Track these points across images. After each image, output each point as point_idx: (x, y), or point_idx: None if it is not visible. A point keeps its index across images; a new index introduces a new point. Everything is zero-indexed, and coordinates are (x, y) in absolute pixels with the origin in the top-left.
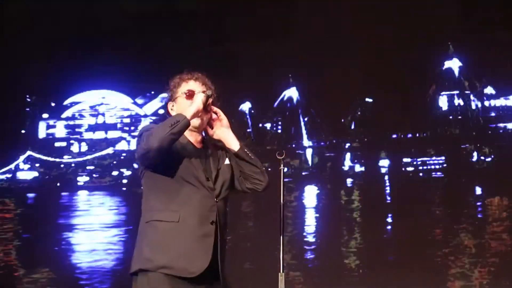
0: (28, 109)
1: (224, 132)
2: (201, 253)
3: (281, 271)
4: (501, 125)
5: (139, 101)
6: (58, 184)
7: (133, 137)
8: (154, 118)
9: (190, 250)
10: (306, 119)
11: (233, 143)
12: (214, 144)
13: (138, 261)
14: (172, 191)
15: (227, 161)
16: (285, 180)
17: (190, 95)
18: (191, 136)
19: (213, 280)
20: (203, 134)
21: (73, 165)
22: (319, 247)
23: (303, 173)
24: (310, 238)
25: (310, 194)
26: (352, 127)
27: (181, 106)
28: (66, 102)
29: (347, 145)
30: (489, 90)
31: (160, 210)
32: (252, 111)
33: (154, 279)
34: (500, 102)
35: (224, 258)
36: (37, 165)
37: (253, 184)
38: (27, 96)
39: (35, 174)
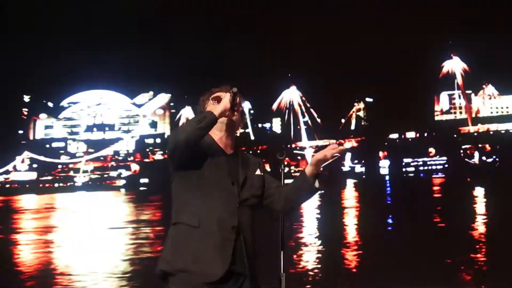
0: (25, 109)
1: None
2: (218, 260)
3: (282, 271)
4: (503, 125)
5: (138, 101)
6: (56, 185)
7: (131, 137)
8: (152, 118)
9: (207, 256)
10: (305, 119)
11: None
12: (246, 155)
13: (161, 262)
14: (196, 194)
15: (258, 172)
16: (285, 180)
17: (218, 100)
18: (221, 141)
19: (239, 282)
20: (234, 140)
21: (70, 165)
22: (319, 247)
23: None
24: (310, 239)
25: None
26: (352, 127)
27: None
28: (63, 103)
29: (347, 145)
30: (490, 89)
31: (183, 212)
32: (252, 111)
33: (174, 281)
34: (501, 102)
35: (253, 261)
36: (34, 165)
37: (275, 205)
38: (25, 96)
39: (33, 174)
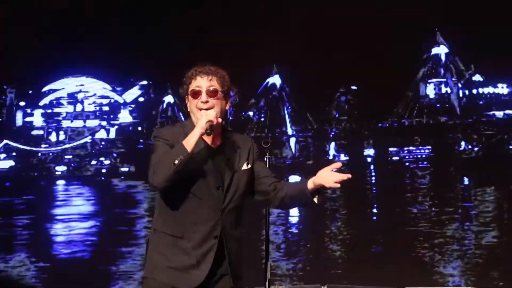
0: (4, 97)
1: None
2: (198, 270)
3: (268, 260)
4: (489, 113)
5: (119, 88)
6: (36, 174)
7: (112, 125)
8: (133, 106)
9: (189, 267)
10: (289, 107)
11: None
12: (235, 141)
13: (146, 268)
14: (180, 204)
15: (245, 166)
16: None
17: (196, 93)
18: (207, 136)
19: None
20: (221, 127)
21: (50, 154)
22: (303, 238)
23: (287, 162)
24: (294, 229)
25: None
26: (337, 115)
27: (191, 107)
28: (43, 90)
29: (332, 133)
30: (477, 77)
31: (167, 222)
32: (235, 99)
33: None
34: (488, 89)
35: (237, 266)
36: (13, 154)
37: (268, 203)
38: (4, 84)
39: (11, 163)
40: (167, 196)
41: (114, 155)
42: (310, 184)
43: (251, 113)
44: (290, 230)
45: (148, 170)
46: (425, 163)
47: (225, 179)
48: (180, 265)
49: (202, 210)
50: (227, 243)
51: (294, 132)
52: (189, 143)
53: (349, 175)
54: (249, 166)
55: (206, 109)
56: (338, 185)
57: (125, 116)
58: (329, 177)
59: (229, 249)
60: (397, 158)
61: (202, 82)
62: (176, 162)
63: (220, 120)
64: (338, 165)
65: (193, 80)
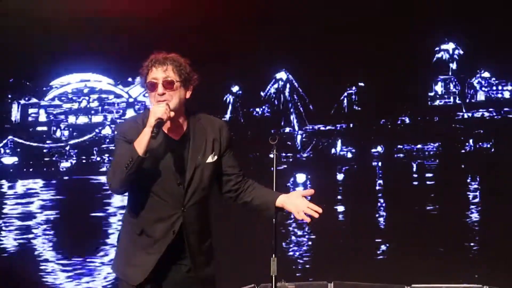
0: (10, 95)
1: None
2: (147, 263)
3: (274, 255)
4: (498, 111)
5: (124, 84)
6: (43, 169)
7: (115, 122)
8: (139, 102)
9: (145, 263)
10: (297, 103)
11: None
12: (202, 128)
13: (113, 263)
14: (140, 202)
15: (210, 159)
16: (277, 165)
17: (152, 85)
18: (169, 127)
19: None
20: (184, 116)
21: (55, 150)
22: (311, 234)
23: (292, 159)
24: (301, 225)
25: (301, 180)
26: (344, 112)
27: (150, 97)
28: (51, 84)
29: (339, 130)
30: (486, 74)
31: (130, 217)
32: (241, 94)
33: (121, 284)
34: (497, 87)
35: (200, 259)
36: (18, 150)
37: (232, 201)
38: (9, 79)
39: (15, 159)
40: (128, 194)
41: None
42: (278, 202)
43: (258, 110)
44: (297, 226)
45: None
46: (432, 160)
47: (186, 174)
48: (138, 263)
49: (162, 208)
50: (188, 237)
51: (301, 129)
52: (141, 143)
53: (320, 210)
54: (215, 158)
55: (163, 101)
56: (308, 220)
57: (131, 113)
58: (300, 206)
59: (190, 244)
60: (404, 155)
61: (158, 74)
62: (127, 165)
63: (172, 114)
64: (310, 192)
65: (150, 71)
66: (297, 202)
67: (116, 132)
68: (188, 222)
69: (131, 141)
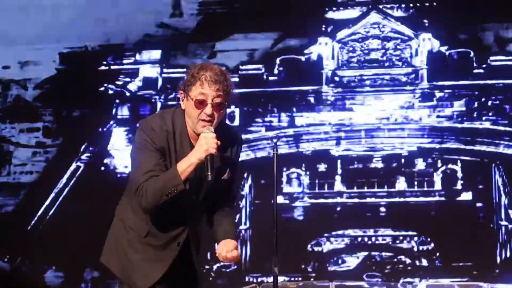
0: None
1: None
2: (153, 271)
3: (275, 254)
4: None
5: None
6: None
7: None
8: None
9: (145, 267)
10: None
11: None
12: (223, 144)
13: (104, 254)
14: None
15: (225, 176)
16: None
17: (200, 102)
18: (193, 135)
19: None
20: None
21: None
22: (312, 233)
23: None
24: (300, 225)
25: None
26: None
27: (189, 110)
28: None
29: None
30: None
31: (134, 215)
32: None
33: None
34: None
35: (199, 268)
36: None
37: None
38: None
39: None
40: (133, 196)
41: None
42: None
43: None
44: (299, 225)
45: (132, 174)
46: (452, 155)
47: (202, 188)
48: (145, 271)
49: (172, 216)
50: (192, 246)
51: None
52: (185, 173)
53: (237, 259)
54: (227, 175)
55: (208, 122)
56: (226, 261)
57: None
58: (222, 254)
59: (192, 251)
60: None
61: (209, 91)
62: (169, 194)
63: (218, 143)
64: (231, 259)
65: (200, 85)
66: (219, 251)
67: (142, 131)
68: (192, 234)
69: (160, 149)
